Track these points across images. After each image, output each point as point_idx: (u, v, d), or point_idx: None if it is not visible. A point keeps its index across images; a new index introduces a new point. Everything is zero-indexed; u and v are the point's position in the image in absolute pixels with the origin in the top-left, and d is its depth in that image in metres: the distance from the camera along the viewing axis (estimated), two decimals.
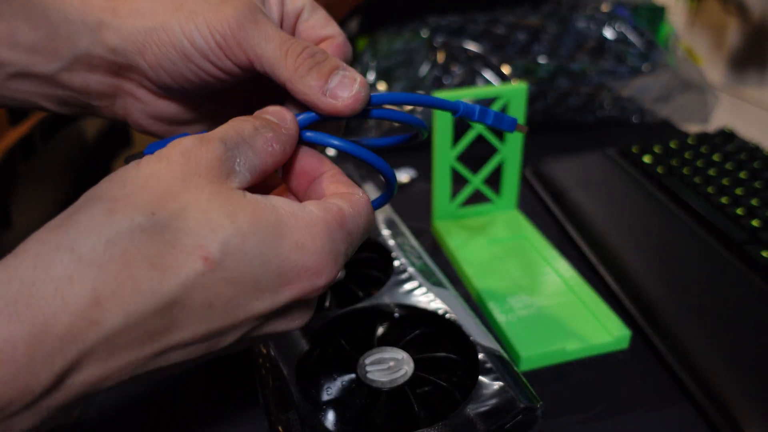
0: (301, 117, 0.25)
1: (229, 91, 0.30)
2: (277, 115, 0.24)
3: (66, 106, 0.30)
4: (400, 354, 0.31)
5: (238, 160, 0.21)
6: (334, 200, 0.23)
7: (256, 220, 0.20)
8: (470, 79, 0.64)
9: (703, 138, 0.57)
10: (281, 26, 0.28)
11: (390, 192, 0.28)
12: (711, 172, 0.50)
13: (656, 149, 0.56)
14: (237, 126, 0.22)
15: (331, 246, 0.21)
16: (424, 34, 0.66)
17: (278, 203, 0.21)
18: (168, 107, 0.30)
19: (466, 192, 0.51)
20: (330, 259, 0.21)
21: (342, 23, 0.74)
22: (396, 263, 0.39)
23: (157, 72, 0.27)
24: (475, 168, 0.50)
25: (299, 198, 0.25)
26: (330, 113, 0.24)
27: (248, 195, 0.21)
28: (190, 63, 0.26)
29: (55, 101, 0.30)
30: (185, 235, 0.19)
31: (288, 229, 0.21)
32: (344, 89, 0.24)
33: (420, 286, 0.36)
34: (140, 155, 0.23)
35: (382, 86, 0.66)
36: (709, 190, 0.48)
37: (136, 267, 0.18)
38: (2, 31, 0.27)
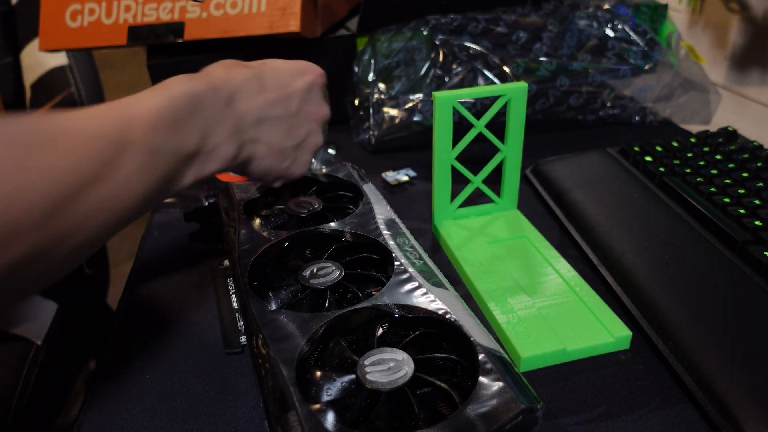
0: None
1: None
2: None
3: None
4: (400, 355, 0.31)
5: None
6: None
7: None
8: (471, 77, 0.63)
9: (705, 137, 0.57)
10: None
11: None
12: (713, 171, 0.50)
13: (658, 148, 0.55)
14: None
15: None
16: (425, 32, 0.66)
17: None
18: None
19: (466, 192, 0.50)
20: (318, 66, 0.43)
21: (342, 23, 0.74)
22: (396, 263, 0.38)
23: None
24: (475, 168, 0.50)
25: None
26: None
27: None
28: None
29: None
30: (252, 63, 0.40)
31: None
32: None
33: (420, 286, 0.36)
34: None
35: (381, 86, 0.65)
36: (711, 189, 0.47)
37: (236, 66, 0.39)
38: None
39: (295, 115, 0.40)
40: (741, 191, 0.47)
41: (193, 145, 0.33)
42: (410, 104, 0.63)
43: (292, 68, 0.40)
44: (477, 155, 0.51)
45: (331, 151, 0.65)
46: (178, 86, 0.33)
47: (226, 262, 0.48)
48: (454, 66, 0.64)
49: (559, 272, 0.44)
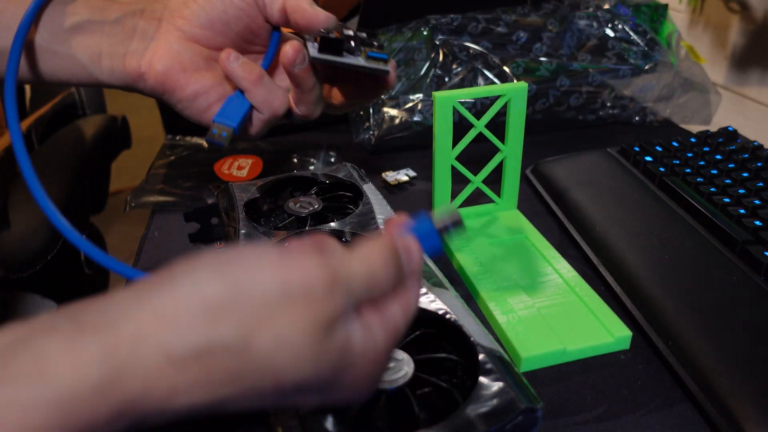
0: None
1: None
2: (408, 250, 0.25)
3: (101, 61, 0.40)
4: (401, 355, 0.31)
5: (350, 306, 0.22)
6: (394, 310, 0.24)
7: (335, 361, 0.21)
8: (471, 77, 0.63)
9: (705, 137, 0.57)
10: None
11: None
12: (713, 171, 0.50)
13: (658, 149, 0.55)
14: (372, 276, 0.23)
15: (380, 371, 0.25)
16: (425, 32, 0.66)
17: (353, 337, 0.22)
18: (189, 48, 0.40)
19: (466, 192, 0.50)
20: (375, 383, 0.25)
21: (342, 22, 0.74)
22: None
23: (196, 14, 0.40)
24: (475, 168, 0.50)
25: None
26: (314, 19, 0.39)
27: (336, 333, 0.21)
28: (224, 1, 0.40)
29: (95, 54, 0.39)
30: (268, 367, 0.20)
31: (355, 367, 0.22)
32: (321, 11, 0.40)
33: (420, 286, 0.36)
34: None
35: None
36: (711, 189, 0.47)
37: (215, 376, 0.20)
38: None
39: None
40: (741, 191, 0.47)
41: None
42: (410, 104, 0.63)
43: (321, 389, 0.22)
44: (477, 155, 0.51)
45: (331, 153, 0.65)
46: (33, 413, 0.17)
47: None
48: (454, 66, 0.64)
49: (559, 272, 0.44)
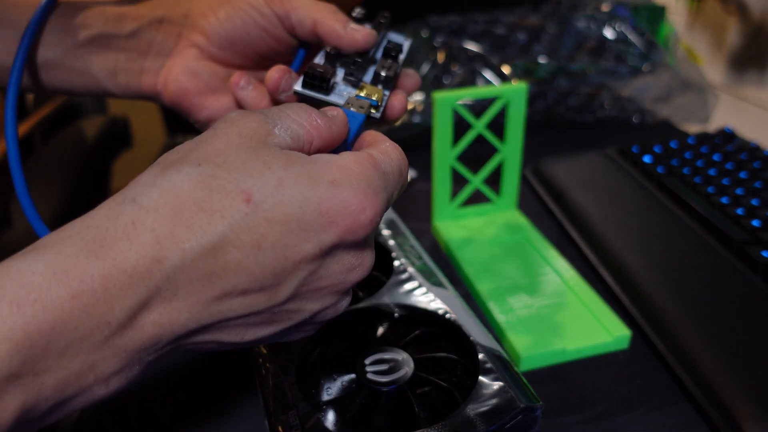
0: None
1: (257, 63, 0.38)
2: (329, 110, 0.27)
3: (117, 77, 0.38)
4: (400, 354, 0.31)
5: (278, 125, 0.23)
6: (364, 149, 0.25)
7: (291, 164, 0.22)
8: (470, 79, 0.64)
9: (703, 138, 0.57)
10: None
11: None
12: (711, 171, 0.50)
13: (656, 149, 0.55)
14: (283, 106, 0.25)
15: (366, 182, 0.22)
16: (424, 34, 0.66)
17: (314, 156, 0.23)
18: (207, 68, 0.37)
19: (466, 192, 0.51)
20: (369, 193, 0.22)
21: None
22: (396, 263, 0.39)
23: (215, 30, 0.35)
24: (475, 168, 0.50)
25: None
26: (351, 44, 0.33)
27: (285, 150, 0.23)
28: (246, 18, 0.35)
29: (110, 70, 0.37)
30: (228, 182, 0.21)
31: (322, 171, 0.22)
32: (360, 29, 0.33)
33: (420, 286, 0.36)
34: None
35: None
36: (709, 189, 0.48)
37: (187, 210, 0.20)
38: (94, 7, 0.36)
39: (286, 301, 0.22)
40: (739, 191, 0.47)
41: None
42: (410, 105, 0.63)
43: (310, 216, 0.21)
44: (477, 155, 0.51)
45: None
46: (3, 319, 0.18)
47: None
48: (454, 67, 0.64)
49: (558, 272, 0.44)
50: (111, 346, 0.19)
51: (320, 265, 0.22)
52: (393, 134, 0.64)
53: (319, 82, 0.32)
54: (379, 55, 0.36)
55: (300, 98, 0.33)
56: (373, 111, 0.31)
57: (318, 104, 0.32)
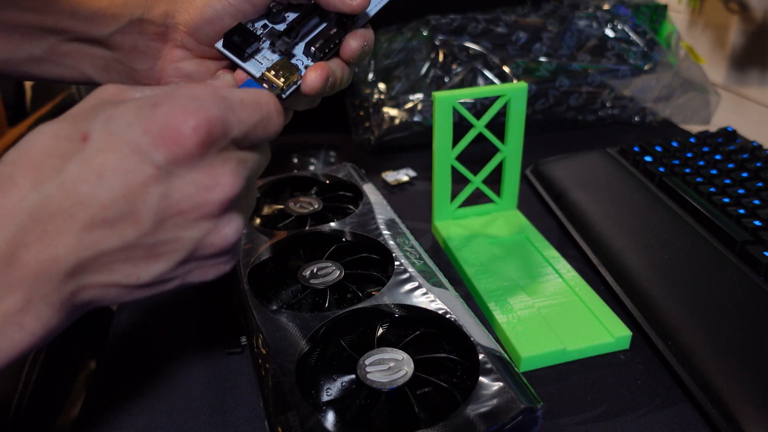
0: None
1: None
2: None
3: (108, 72, 0.37)
4: (401, 355, 0.31)
5: (139, 91, 0.26)
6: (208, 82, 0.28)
7: (123, 103, 0.24)
8: (471, 78, 0.64)
9: (704, 137, 0.57)
10: None
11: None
12: (712, 171, 0.50)
13: (657, 149, 0.55)
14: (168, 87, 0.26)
15: (192, 99, 0.24)
16: (425, 32, 0.66)
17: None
18: (197, 66, 0.37)
19: (466, 192, 0.50)
20: (192, 107, 0.24)
21: None
22: (396, 263, 0.38)
23: (197, 25, 0.34)
24: (475, 168, 0.50)
25: None
26: (348, 10, 0.32)
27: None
28: (224, 2, 0.33)
29: (100, 66, 0.37)
30: (73, 130, 0.23)
31: (148, 99, 0.24)
32: None
33: (420, 286, 0.36)
34: None
35: (381, 86, 0.65)
36: (711, 189, 0.48)
37: (39, 158, 0.23)
38: (64, 5, 0.35)
39: (154, 229, 0.24)
40: (740, 191, 0.47)
41: None
42: (410, 104, 0.63)
43: (136, 137, 0.23)
44: (477, 155, 0.51)
45: (331, 153, 0.65)
46: None
47: None
48: (454, 66, 0.64)
49: (558, 272, 0.44)
50: (3, 282, 0.22)
51: (169, 186, 0.23)
52: (393, 134, 0.64)
53: (237, 47, 0.32)
54: (326, 23, 0.35)
55: (222, 55, 0.34)
56: (280, 92, 0.32)
57: (234, 66, 0.34)
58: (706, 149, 0.54)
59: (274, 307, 0.36)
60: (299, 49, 0.34)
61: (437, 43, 0.64)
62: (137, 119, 0.23)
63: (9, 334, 0.22)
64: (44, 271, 0.22)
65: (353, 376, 0.31)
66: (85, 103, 0.25)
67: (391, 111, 0.64)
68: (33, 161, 0.22)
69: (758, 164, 0.50)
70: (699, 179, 0.49)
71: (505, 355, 0.32)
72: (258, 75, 0.32)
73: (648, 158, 0.54)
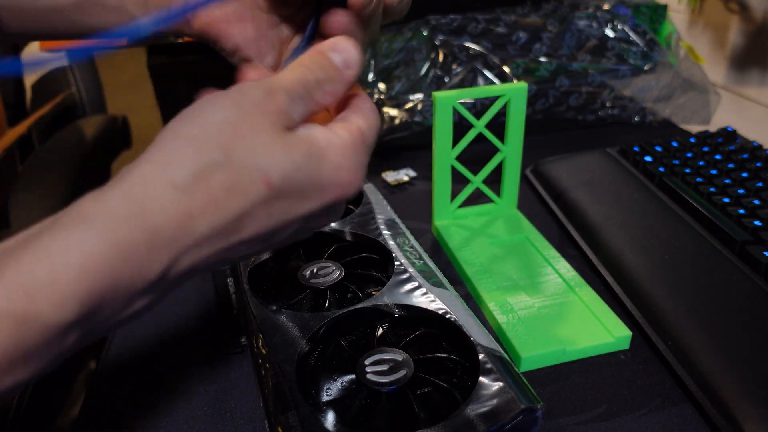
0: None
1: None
2: (345, 57, 0.28)
3: (148, 6, 0.38)
4: (400, 355, 0.31)
5: (297, 110, 0.27)
6: (353, 119, 0.28)
7: (305, 152, 0.26)
8: (471, 78, 0.64)
9: (704, 137, 0.57)
10: None
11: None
12: (712, 171, 0.50)
13: (657, 149, 0.55)
14: (302, 77, 0.27)
15: (358, 161, 0.27)
16: (425, 32, 0.66)
17: (316, 134, 0.27)
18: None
19: (466, 192, 0.50)
20: (359, 171, 0.27)
21: None
22: (396, 263, 0.38)
23: None
24: (475, 168, 0.50)
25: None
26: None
27: (298, 132, 0.26)
28: None
29: (143, 3, 0.37)
30: (253, 169, 0.25)
31: (327, 156, 0.26)
32: None
33: (420, 286, 0.36)
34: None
35: (381, 86, 0.65)
36: (711, 189, 0.47)
37: (217, 193, 0.24)
38: None
39: (275, 244, 0.28)
40: (740, 191, 0.47)
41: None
42: (410, 104, 0.63)
43: (315, 187, 0.26)
44: (477, 155, 0.51)
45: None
46: (69, 278, 0.22)
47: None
48: (454, 66, 0.64)
49: (558, 272, 0.44)
50: (148, 293, 0.24)
51: (309, 219, 0.27)
52: (393, 134, 0.64)
53: None
54: None
55: None
56: None
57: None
58: (706, 149, 0.54)
59: (274, 307, 0.36)
60: None
61: (437, 43, 0.64)
62: (319, 178, 0.26)
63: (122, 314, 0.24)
64: (179, 279, 0.25)
65: (353, 376, 0.31)
66: (247, 123, 0.26)
67: (391, 111, 0.64)
68: (209, 194, 0.24)
69: (758, 164, 0.50)
70: (699, 179, 0.49)
71: (505, 355, 0.32)
72: None
73: (648, 158, 0.54)
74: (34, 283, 0.21)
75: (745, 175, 0.49)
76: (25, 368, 0.22)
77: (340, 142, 0.27)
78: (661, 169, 0.52)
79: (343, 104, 0.30)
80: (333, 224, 0.43)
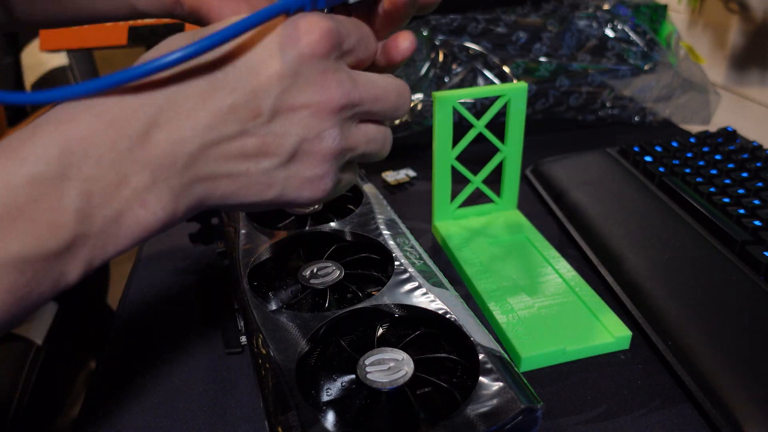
0: None
1: None
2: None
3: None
4: (400, 355, 0.31)
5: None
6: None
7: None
8: (471, 78, 0.64)
9: (704, 137, 0.57)
10: None
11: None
12: (712, 171, 0.50)
13: (657, 149, 0.55)
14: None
15: (326, 20, 0.26)
16: (425, 32, 0.66)
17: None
18: None
19: (466, 192, 0.50)
20: (328, 29, 0.26)
21: None
22: (396, 263, 0.38)
23: None
24: (475, 168, 0.50)
25: None
26: None
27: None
28: None
29: None
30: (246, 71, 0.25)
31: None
32: None
33: (420, 286, 0.36)
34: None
35: None
36: (711, 189, 0.48)
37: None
38: None
39: (268, 120, 0.26)
40: (740, 191, 0.47)
41: (66, 233, 0.22)
42: (410, 104, 0.63)
43: (270, 38, 0.25)
44: (477, 155, 0.51)
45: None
46: (49, 134, 0.23)
47: (227, 262, 0.48)
48: (454, 66, 0.64)
49: (559, 272, 0.44)
50: (135, 159, 0.23)
51: (290, 83, 0.26)
52: (393, 134, 0.64)
53: None
54: None
55: None
56: None
57: None
58: (706, 149, 0.54)
59: (274, 307, 0.36)
60: None
61: (437, 43, 0.64)
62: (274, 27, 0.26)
63: (135, 210, 0.24)
64: (171, 152, 0.24)
65: (353, 376, 0.31)
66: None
67: None
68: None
69: (758, 164, 0.50)
70: (699, 179, 0.49)
71: (505, 355, 0.32)
72: None
73: (648, 158, 0.54)
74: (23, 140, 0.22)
75: (745, 175, 0.49)
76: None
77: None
78: (661, 169, 0.52)
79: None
80: (333, 224, 0.43)
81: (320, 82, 0.26)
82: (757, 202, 0.45)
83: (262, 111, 0.25)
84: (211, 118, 0.24)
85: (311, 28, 0.25)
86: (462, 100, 0.59)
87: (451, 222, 0.51)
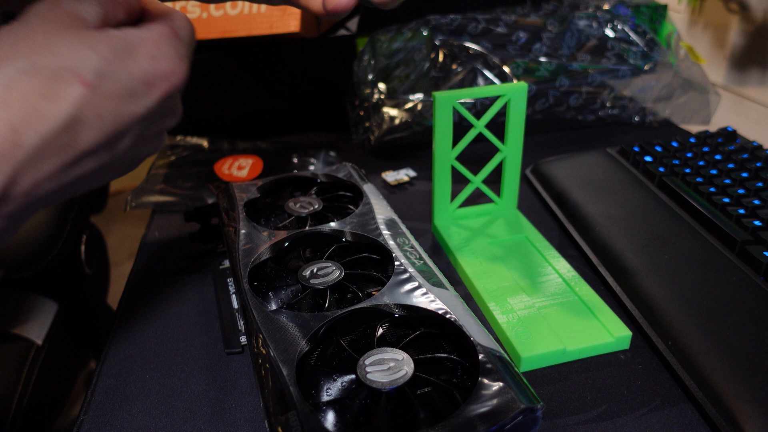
0: None
1: None
2: None
3: None
4: (400, 355, 0.31)
5: (88, 11, 0.27)
6: (162, 21, 0.29)
7: (112, 45, 0.26)
8: (471, 78, 0.64)
9: (704, 137, 0.57)
10: None
11: None
12: (712, 171, 0.50)
13: (657, 149, 0.55)
14: None
15: (176, 52, 0.28)
16: (425, 32, 0.66)
17: (123, 30, 0.27)
18: None
19: (466, 192, 0.50)
20: (179, 61, 0.28)
21: (342, 23, 0.74)
22: (396, 263, 0.38)
23: None
24: (475, 168, 0.50)
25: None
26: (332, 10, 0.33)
27: (102, 30, 0.27)
28: None
29: None
30: (62, 69, 0.25)
31: (140, 48, 0.27)
32: None
33: (420, 286, 0.36)
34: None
35: (381, 86, 0.65)
36: (711, 189, 0.48)
37: (34, 100, 0.24)
38: None
39: (123, 154, 0.29)
40: (740, 191, 0.47)
41: None
42: (410, 104, 0.63)
43: (136, 80, 0.27)
44: (477, 155, 0.51)
45: (331, 153, 0.65)
46: None
47: (227, 262, 0.48)
48: (454, 66, 0.64)
49: (558, 272, 0.44)
50: None
51: (150, 119, 0.28)
52: (393, 134, 0.64)
53: None
54: None
55: None
56: None
57: None
58: (706, 149, 0.54)
59: (274, 307, 0.36)
60: None
61: (437, 43, 0.64)
62: (137, 70, 0.27)
63: None
64: (27, 203, 0.25)
65: (353, 376, 0.31)
66: (42, 27, 0.26)
67: (391, 111, 0.64)
68: (26, 102, 0.24)
69: (758, 164, 0.50)
70: (699, 179, 0.49)
71: (505, 355, 0.32)
72: None
73: (648, 158, 0.54)
74: None
75: (745, 175, 0.49)
76: None
77: (152, 36, 0.28)
78: (661, 169, 0.52)
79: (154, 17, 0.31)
80: (333, 224, 0.43)
81: (170, 109, 0.30)
82: (757, 202, 0.45)
83: (119, 151, 0.28)
84: (71, 169, 0.26)
85: (178, 71, 0.29)
86: (462, 100, 0.59)
87: (451, 222, 0.51)
